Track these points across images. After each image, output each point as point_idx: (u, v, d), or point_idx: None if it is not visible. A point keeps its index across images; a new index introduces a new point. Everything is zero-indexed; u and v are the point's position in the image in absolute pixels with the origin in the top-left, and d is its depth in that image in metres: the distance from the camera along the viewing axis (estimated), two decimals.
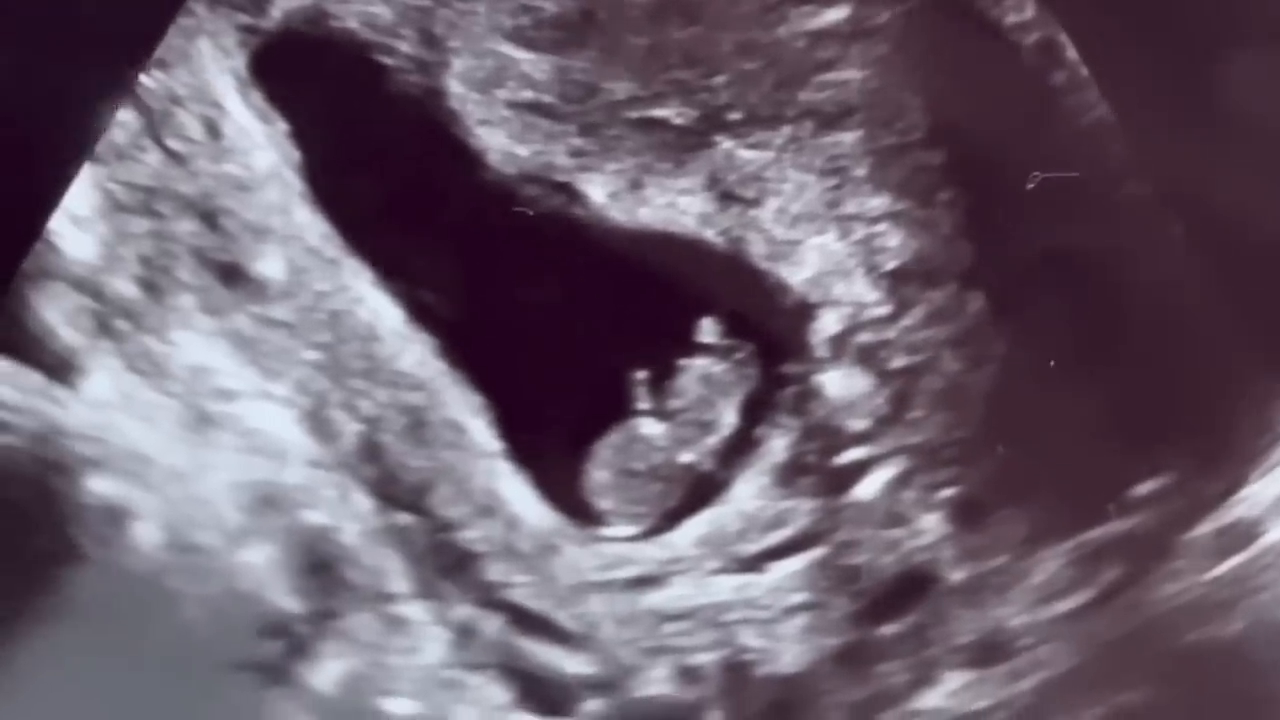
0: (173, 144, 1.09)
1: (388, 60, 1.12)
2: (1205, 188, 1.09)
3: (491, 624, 1.07)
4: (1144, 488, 1.09)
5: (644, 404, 1.10)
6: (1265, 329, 1.10)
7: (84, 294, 1.06)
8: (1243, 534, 1.08)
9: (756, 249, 1.11)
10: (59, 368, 1.06)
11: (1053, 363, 1.10)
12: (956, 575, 1.08)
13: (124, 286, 1.06)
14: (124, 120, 1.08)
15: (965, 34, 1.15)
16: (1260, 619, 1.08)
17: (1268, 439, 1.09)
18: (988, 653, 1.07)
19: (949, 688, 1.07)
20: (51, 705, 1.03)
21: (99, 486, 1.05)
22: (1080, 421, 1.10)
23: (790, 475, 1.10)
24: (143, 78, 1.08)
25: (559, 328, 1.10)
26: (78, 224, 1.07)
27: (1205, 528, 1.08)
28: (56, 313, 1.06)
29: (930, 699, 1.07)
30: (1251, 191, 1.09)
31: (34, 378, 1.05)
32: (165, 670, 1.04)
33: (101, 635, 1.04)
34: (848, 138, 1.13)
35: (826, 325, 1.11)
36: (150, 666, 1.03)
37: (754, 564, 1.09)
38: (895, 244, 1.12)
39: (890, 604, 1.08)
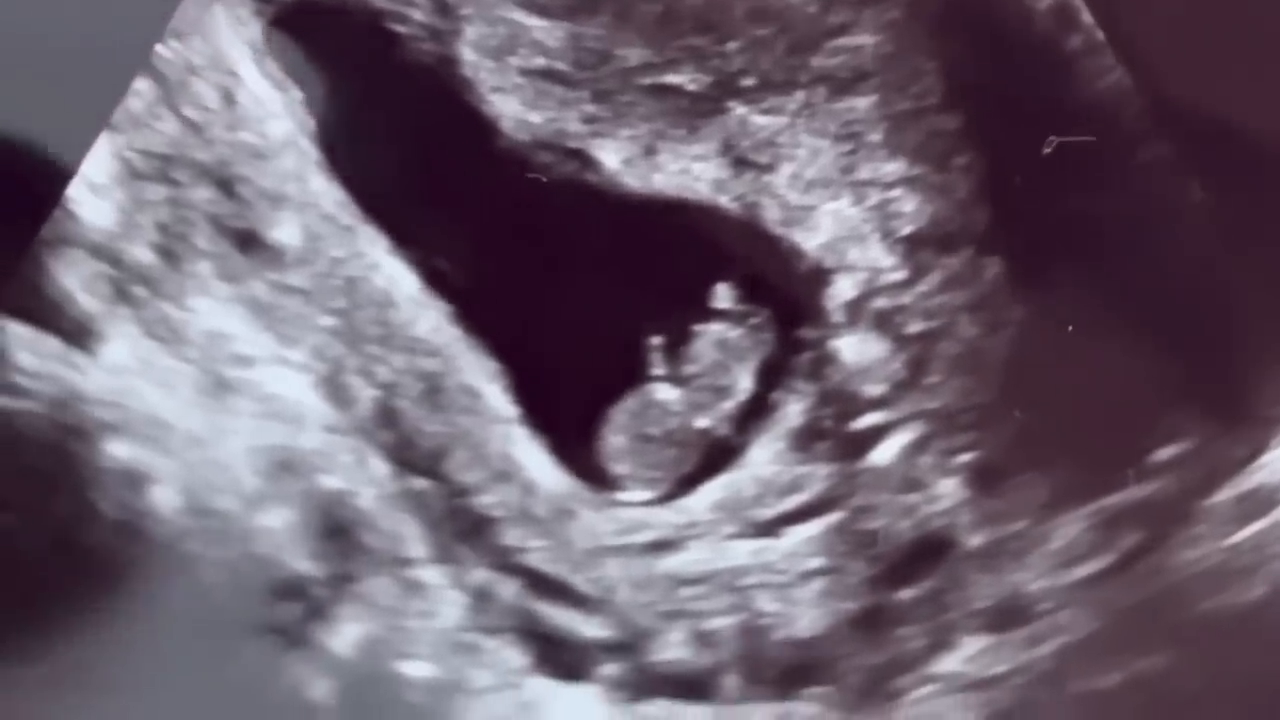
0: (189, 112, 1.10)
1: (401, 28, 1.12)
2: (1225, 153, 1.10)
3: (508, 588, 1.09)
4: (1164, 453, 1.10)
5: (659, 369, 1.11)
6: None
7: (102, 261, 1.07)
8: (1264, 500, 1.10)
9: (771, 214, 1.12)
10: (78, 334, 1.07)
11: (1071, 328, 1.10)
12: (974, 540, 1.10)
13: (141, 253, 1.08)
14: (141, 89, 1.09)
15: None
16: None
17: None
18: (1006, 618, 1.09)
19: (967, 653, 1.09)
20: (73, 665, 1.05)
21: (118, 451, 1.07)
22: (1099, 387, 1.11)
23: (806, 440, 1.11)
24: (159, 47, 1.09)
25: (573, 294, 1.11)
26: (95, 191, 1.08)
27: (1226, 494, 1.10)
28: (75, 279, 1.07)
29: (948, 664, 1.09)
30: (1273, 157, 1.10)
31: (53, 344, 1.07)
32: (184, 632, 1.06)
33: (121, 597, 1.06)
34: (861, 103, 1.13)
35: (842, 290, 1.11)
36: (170, 628, 1.06)
37: (770, 529, 1.11)
38: (911, 209, 1.12)
39: (907, 569, 1.10)
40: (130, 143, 1.09)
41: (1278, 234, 1.10)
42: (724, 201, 1.13)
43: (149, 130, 1.09)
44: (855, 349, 1.12)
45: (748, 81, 1.13)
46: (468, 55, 1.12)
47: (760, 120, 1.13)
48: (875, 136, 1.13)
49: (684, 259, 1.13)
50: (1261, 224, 1.10)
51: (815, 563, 1.11)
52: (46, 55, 1.07)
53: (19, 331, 1.07)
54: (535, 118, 1.12)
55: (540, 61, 1.12)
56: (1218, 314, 1.11)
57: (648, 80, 1.13)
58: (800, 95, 1.13)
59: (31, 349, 1.07)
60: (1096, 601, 1.10)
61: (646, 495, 1.12)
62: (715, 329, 1.12)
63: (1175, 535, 1.10)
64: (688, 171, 1.13)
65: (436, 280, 1.11)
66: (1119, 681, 1.10)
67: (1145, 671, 1.10)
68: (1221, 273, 1.11)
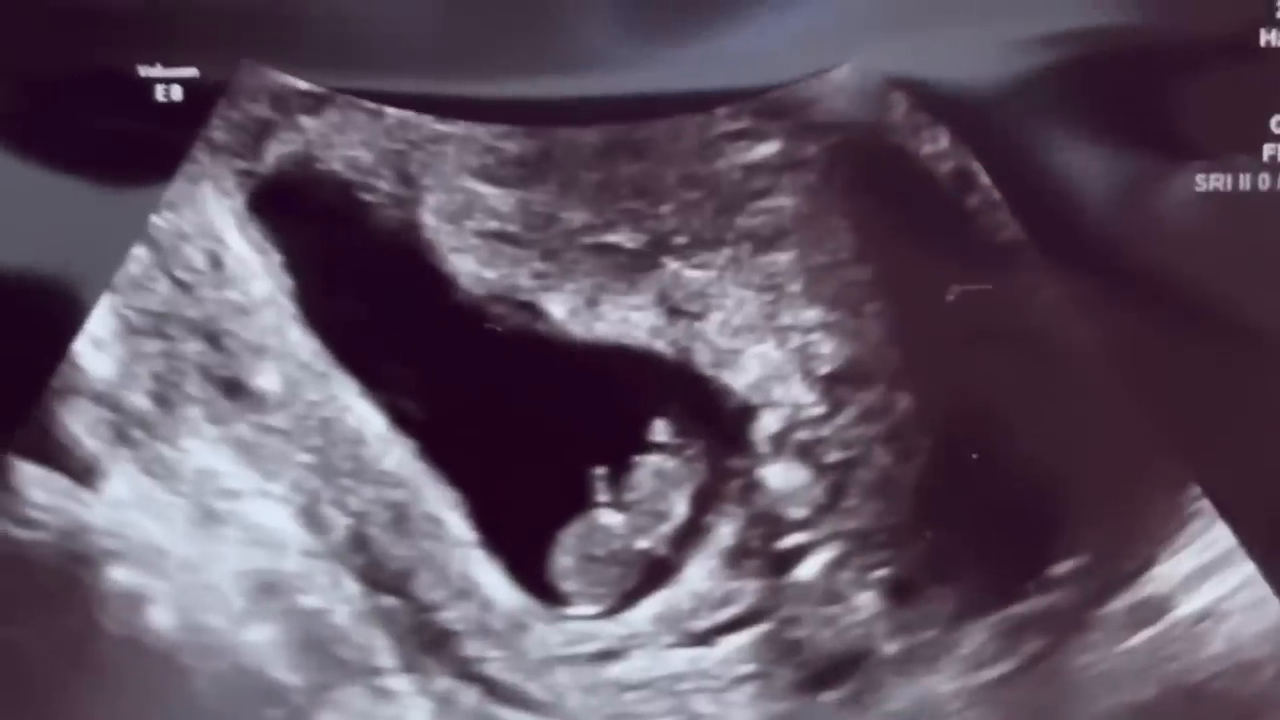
0: (180, 274, 1.14)
1: (369, 197, 1.15)
2: (1112, 296, 1.15)
3: (469, 695, 1.16)
4: (1061, 567, 1.17)
5: (603, 496, 1.17)
6: (1174, 424, 1.16)
7: (104, 407, 1.13)
8: (1154, 609, 1.17)
9: (702, 357, 1.17)
10: (83, 472, 1.13)
11: (975, 455, 1.17)
12: (890, 648, 1.17)
13: (139, 400, 1.13)
14: (138, 255, 1.13)
15: (887, 164, 1.16)
16: (1172, 686, 1.17)
17: (1175, 523, 1.17)
18: (920, 718, 1.17)
19: None
20: None
21: (119, 576, 1.14)
22: (1001, 508, 1.17)
23: (737, 558, 1.17)
24: (154, 217, 1.12)
25: (526, 430, 1.15)
26: (98, 346, 1.13)
27: (1119, 603, 1.17)
28: (80, 424, 1.13)
29: None
30: (1160, 296, 1.16)
31: (61, 481, 1.13)
32: None
33: (124, 705, 1.13)
34: (783, 257, 1.16)
35: (767, 424, 1.17)
36: None
37: (705, 638, 1.17)
38: (829, 351, 1.17)
39: (830, 674, 1.17)
40: (128, 302, 1.13)
41: (1162, 369, 1.15)
42: (660, 346, 1.17)
43: (145, 291, 1.13)
44: (780, 476, 1.17)
45: (680, 240, 1.16)
46: (429, 220, 1.15)
47: (691, 274, 1.16)
48: (795, 287, 1.16)
49: (625, 398, 1.17)
50: (1148, 359, 1.15)
51: (746, 669, 1.17)
52: (53, 228, 1.11)
53: (31, 471, 1.12)
54: (490, 274, 1.16)
55: (494, 224, 1.15)
56: (1109, 442, 1.16)
57: (590, 240, 1.16)
58: (727, 251, 1.16)
59: (42, 486, 1.12)
60: (1002, 702, 1.17)
61: (593, 610, 1.17)
62: (654, 460, 1.17)
63: (1073, 641, 1.17)
64: (627, 320, 1.17)
65: (402, 420, 1.15)
66: None
67: None
68: (1110, 405, 1.16)
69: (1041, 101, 1.15)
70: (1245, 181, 1.15)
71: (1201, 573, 1.18)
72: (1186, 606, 1.18)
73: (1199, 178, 1.16)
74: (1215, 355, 1.17)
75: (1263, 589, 1.18)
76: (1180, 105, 1.15)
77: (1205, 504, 1.17)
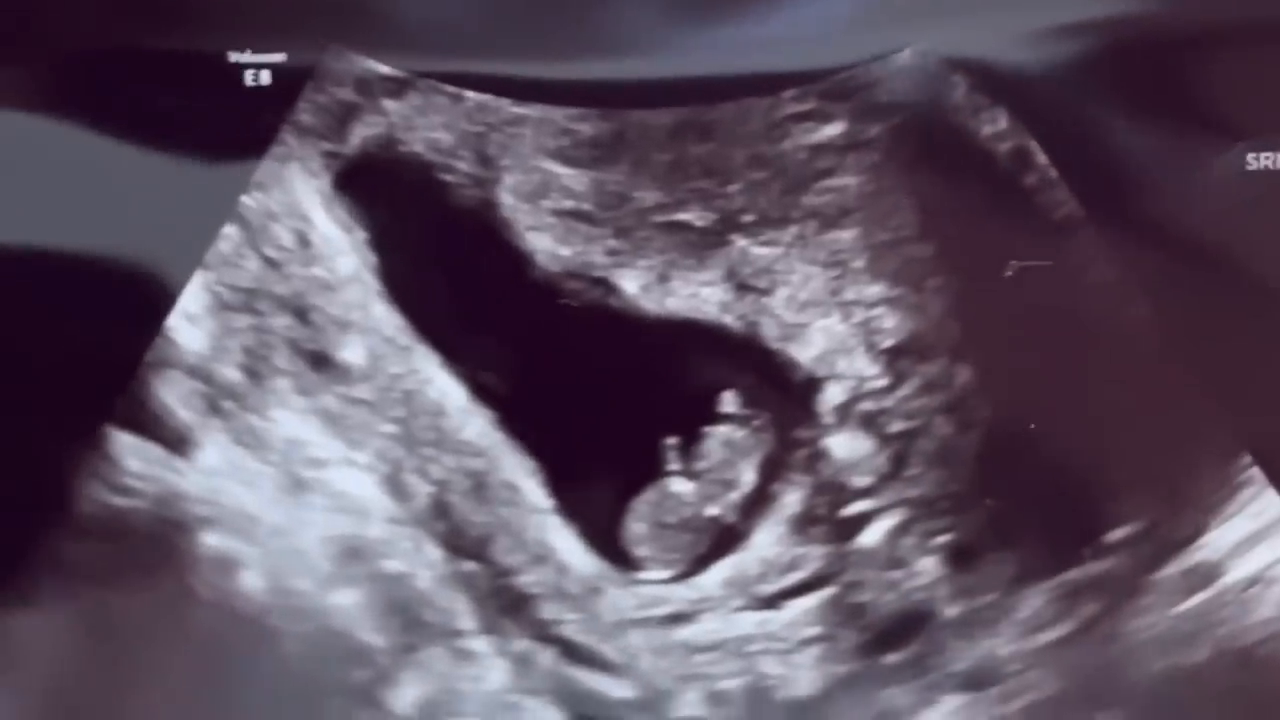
0: (269, 252, 1.17)
1: (449, 177, 1.17)
2: (1167, 269, 1.17)
3: (546, 656, 1.18)
4: (1116, 534, 1.18)
5: (675, 465, 1.19)
6: (1225, 395, 1.17)
7: (197, 379, 1.15)
8: (1206, 574, 1.18)
9: (769, 331, 1.19)
10: (177, 442, 1.15)
11: (1033, 425, 1.18)
12: (951, 611, 1.19)
13: (230, 372, 1.16)
14: (229, 233, 1.15)
15: (947, 144, 1.17)
16: (1222, 649, 1.18)
17: (1226, 491, 1.18)
18: (980, 679, 1.19)
19: (946, 710, 1.19)
20: None
21: (211, 541, 1.16)
22: (1058, 476, 1.18)
23: (803, 525, 1.19)
24: (244, 198, 1.15)
25: (600, 401, 1.18)
26: (191, 321, 1.16)
27: (1172, 569, 1.18)
28: (174, 396, 1.15)
29: (930, 719, 1.19)
30: (1212, 270, 1.17)
31: (156, 451, 1.15)
32: (270, 696, 1.16)
33: (216, 666, 1.15)
34: (847, 235, 1.18)
35: (832, 396, 1.19)
36: (258, 693, 1.16)
37: (773, 602, 1.19)
38: (891, 325, 1.19)
39: (893, 637, 1.19)
40: (220, 278, 1.16)
41: (1213, 341, 1.17)
42: (728, 321, 1.19)
43: (236, 268, 1.16)
44: (845, 446, 1.19)
45: (748, 218, 1.18)
46: (506, 199, 1.17)
47: (759, 251, 1.18)
48: (859, 263, 1.18)
49: (694, 370, 1.19)
50: (1200, 332, 1.16)
51: (812, 631, 1.19)
52: (148, 208, 1.13)
53: (128, 440, 1.15)
54: (565, 251, 1.18)
55: (569, 203, 1.17)
56: (1162, 413, 1.18)
57: (661, 218, 1.18)
58: (794, 229, 1.18)
59: (138, 455, 1.14)
60: (1060, 664, 1.18)
61: (665, 574, 1.19)
62: (723, 430, 1.19)
63: (1127, 605, 1.18)
64: (697, 295, 1.19)
65: (481, 392, 1.18)
66: None
67: None
68: (1163, 377, 1.17)
69: (1097, 82, 1.16)
70: None
71: (1252, 539, 1.19)
72: (1237, 572, 1.19)
73: (1249, 156, 1.17)
74: (1266, 328, 1.19)
75: None
76: (1231, 85, 1.17)
77: (1256, 473, 1.18)
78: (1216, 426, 1.18)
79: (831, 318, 1.20)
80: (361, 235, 1.18)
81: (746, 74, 1.17)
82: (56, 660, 1.15)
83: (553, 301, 1.19)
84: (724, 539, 1.21)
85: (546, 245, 1.19)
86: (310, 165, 1.18)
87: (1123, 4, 1.16)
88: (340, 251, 1.18)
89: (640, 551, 1.20)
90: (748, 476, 1.20)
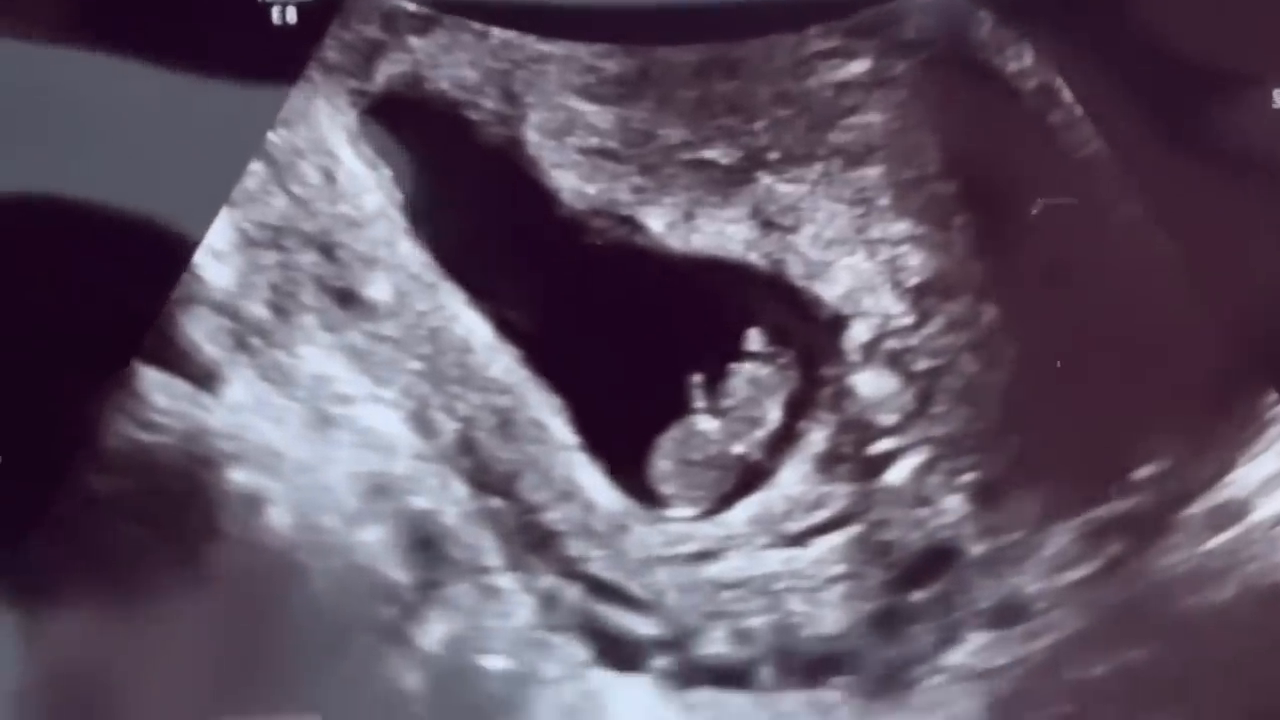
0: (295, 189, 1.17)
1: (474, 115, 1.17)
2: (1192, 207, 1.17)
3: (572, 592, 1.19)
4: (1143, 472, 1.19)
5: (700, 403, 1.19)
6: (1252, 333, 1.18)
7: (223, 316, 1.16)
8: (1233, 512, 1.19)
9: (795, 269, 1.19)
10: (203, 378, 1.16)
11: (1059, 363, 1.19)
12: (977, 549, 1.19)
13: (257, 309, 1.17)
14: (255, 170, 1.16)
15: (973, 80, 1.17)
16: (1249, 587, 1.19)
17: (1253, 428, 1.19)
18: (1006, 616, 1.19)
19: (972, 647, 1.19)
20: (200, 663, 1.16)
21: (238, 477, 1.16)
22: (1085, 414, 1.19)
23: (829, 463, 1.20)
24: (270, 134, 1.15)
25: (626, 339, 1.18)
26: (218, 257, 1.16)
27: (1198, 507, 1.19)
28: (201, 332, 1.15)
29: (955, 656, 1.20)
30: (1235, 207, 1.18)
31: (183, 387, 1.16)
32: (296, 631, 1.17)
33: (242, 602, 1.16)
34: (872, 172, 1.19)
35: (858, 334, 1.20)
36: (283, 628, 1.16)
37: (799, 540, 1.20)
38: (916, 263, 1.19)
39: (918, 574, 1.20)
40: (246, 215, 1.16)
41: (1240, 280, 1.17)
42: (754, 258, 1.19)
43: (262, 204, 1.17)
44: (870, 384, 1.20)
45: (773, 155, 1.18)
46: (532, 137, 1.18)
47: (784, 188, 1.19)
48: (884, 201, 1.19)
49: (720, 308, 1.19)
50: (1226, 270, 1.17)
51: (838, 569, 1.19)
52: (177, 145, 1.13)
53: (155, 376, 1.15)
54: (590, 189, 1.18)
55: (594, 141, 1.18)
56: (1187, 351, 1.18)
57: (687, 155, 1.18)
58: (819, 166, 1.18)
59: (165, 391, 1.15)
60: (1085, 601, 1.19)
61: (691, 512, 1.20)
62: (748, 368, 1.19)
63: (1154, 543, 1.18)
64: (722, 233, 1.19)
65: (507, 329, 1.18)
66: (1107, 671, 1.19)
67: (1131, 662, 1.18)
68: (1189, 314, 1.18)
69: (1123, 20, 1.17)
70: None
71: (1278, 478, 1.20)
72: (1264, 510, 1.19)
73: (1276, 93, 1.18)
74: None
75: None
76: (1259, 23, 1.17)
77: None
78: (1244, 365, 1.19)
79: (857, 255, 1.20)
80: (387, 172, 1.18)
81: (773, 5, 1.18)
82: (83, 597, 1.16)
83: (578, 239, 1.19)
84: (750, 477, 1.21)
85: (571, 183, 1.19)
86: (336, 102, 1.18)
87: None
88: (366, 188, 1.18)
89: (666, 489, 1.20)
90: (773, 414, 1.21)
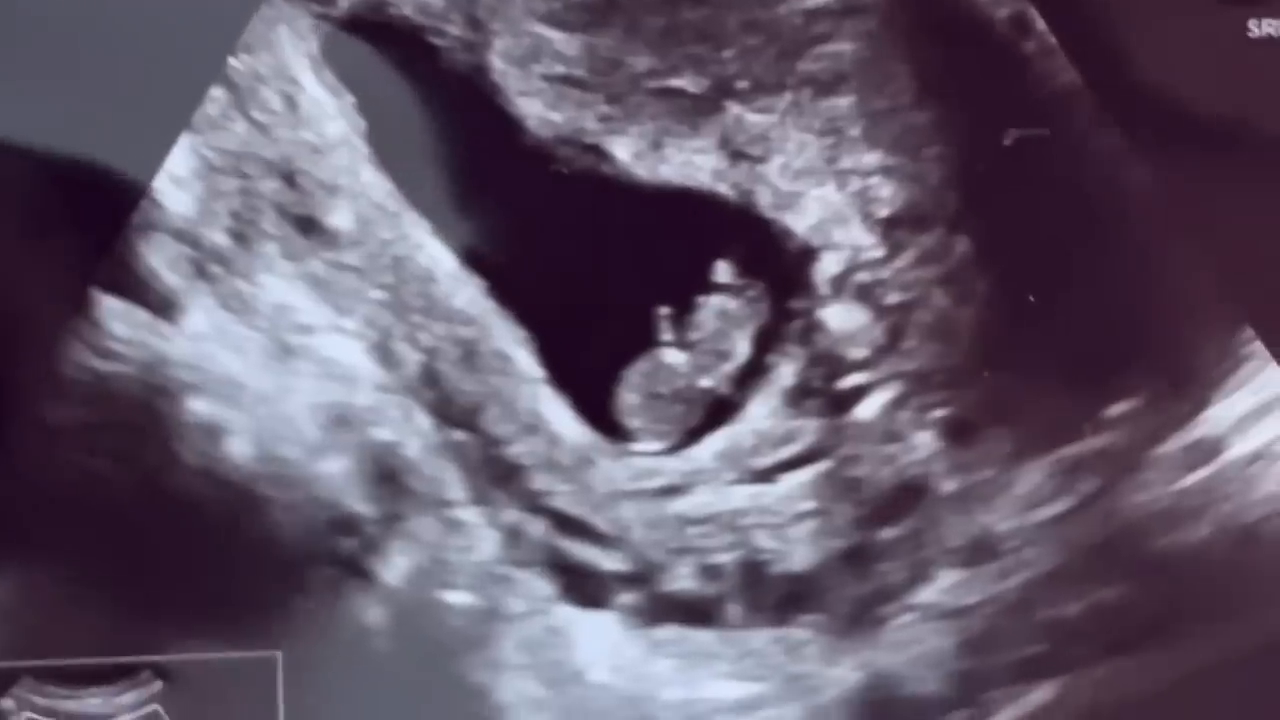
0: (257, 115, 1.16)
1: (438, 41, 1.17)
2: (1167, 138, 1.18)
3: (537, 527, 1.19)
4: (1116, 409, 1.20)
5: (667, 335, 1.19)
6: (1227, 267, 1.19)
7: (183, 243, 1.15)
8: (1207, 450, 1.20)
9: (764, 200, 1.19)
10: (163, 306, 1.15)
11: (1032, 298, 1.19)
12: (948, 486, 1.20)
13: (217, 236, 1.16)
14: (216, 96, 1.15)
15: (944, 9, 1.18)
16: (1223, 525, 1.20)
17: (1228, 365, 1.19)
18: (977, 554, 1.20)
19: (942, 585, 1.20)
20: (157, 592, 1.16)
21: (198, 407, 1.16)
22: (1058, 349, 1.20)
23: (798, 398, 1.20)
24: (231, 60, 1.14)
25: (592, 270, 1.18)
26: (177, 184, 1.15)
27: (1172, 445, 1.20)
28: (160, 259, 1.15)
29: (926, 594, 1.20)
30: (1213, 140, 1.19)
31: (142, 315, 1.15)
32: (256, 563, 1.16)
33: (202, 533, 1.16)
34: (843, 102, 1.19)
35: (828, 266, 1.20)
36: (243, 560, 1.16)
37: (767, 475, 1.20)
38: (887, 194, 1.20)
39: (888, 511, 1.20)
40: (207, 142, 1.16)
41: (1215, 213, 1.18)
42: (722, 189, 1.19)
43: (223, 131, 1.16)
44: (840, 317, 1.20)
45: (742, 84, 1.19)
46: (497, 64, 1.17)
47: (753, 118, 1.19)
48: (855, 131, 1.19)
49: (688, 239, 1.19)
50: (1201, 203, 1.18)
51: (807, 505, 1.19)
52: (136, 69, 1.13)
53: (113, 304, 1.14)
54: (556, 117, 1.18)
55: (560, 69, 1.18)
56: (1162, 285, 1.19)
57: (654, 84, 1.18)
58: (788, 96, 1.19)
59: (123, 319, 1.14)
60: (1058, 540, 1.20)
61: (657, 446, 1.19)
62: (716, 300, 1.19)
63: (1128, 481, 1.19)
64: (690, 163, 1.19)
65: (472, 259, 1.18)
66: (1079, 610, 1.19)
67: (1103, 601, 1.19)
68: (1165, 248, 1.19)
69: None
70: None
71: (1254, 415, 1.20)
72: (1239, 448, 1.20)
73: (1251, 22, 1.18)
74: (1268, 199, 1.20)
75: None
76: None
77: (1258, 347, 1.20)
78: (1219, 300, 1.20)
79: (827, 186, 1.20)
80: (350, 99, 1.18)
81: None
82: (39, 529, 1.16)
83: (544, 168, 1.19)
84: (717, 411, 1.21)
85: (537, 111, 1.19)
86: (298, 27, 1.17)
87: None
88: (328, 115, 1.18)
89: (632, 422, 1.20)
90: (742, 347, 1.21)
